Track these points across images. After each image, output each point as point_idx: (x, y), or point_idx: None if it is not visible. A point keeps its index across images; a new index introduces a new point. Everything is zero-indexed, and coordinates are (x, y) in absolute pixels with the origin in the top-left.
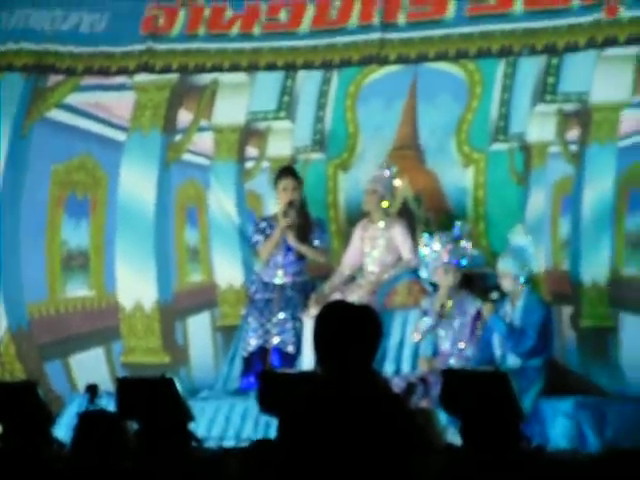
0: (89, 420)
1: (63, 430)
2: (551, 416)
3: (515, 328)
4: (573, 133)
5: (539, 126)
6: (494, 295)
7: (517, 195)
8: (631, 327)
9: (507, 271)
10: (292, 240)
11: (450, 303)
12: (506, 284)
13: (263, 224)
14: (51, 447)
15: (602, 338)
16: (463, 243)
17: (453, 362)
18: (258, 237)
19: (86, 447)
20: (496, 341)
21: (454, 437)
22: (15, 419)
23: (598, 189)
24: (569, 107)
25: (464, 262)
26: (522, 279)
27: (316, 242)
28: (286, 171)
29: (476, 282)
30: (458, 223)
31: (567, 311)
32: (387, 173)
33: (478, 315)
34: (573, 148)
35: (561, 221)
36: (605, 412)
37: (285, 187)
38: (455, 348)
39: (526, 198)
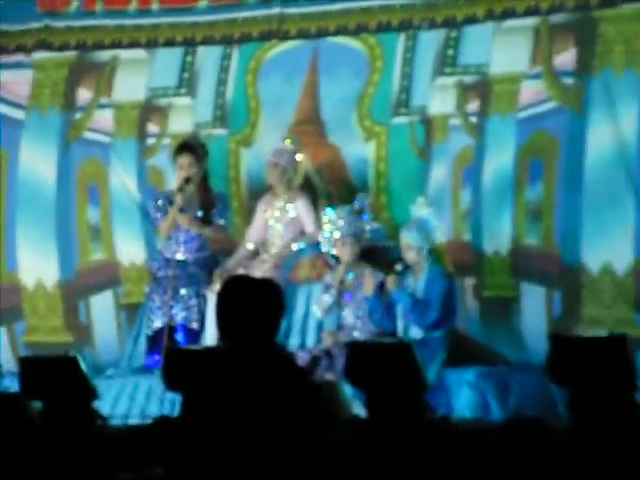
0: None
1: None
2: (455, 386)
3: (418, 300)
4: (473, 105)
5: (440, 99)
6: (398, 267)
7: (419, 168)
8: (531, 297)
9: (411, 243)
10: (187, 224)
11: (350, 277)
12: (410, 256)
13: (162, 200)
14: None
15: (504, 308)
16: (362, 216)
17: (357, 335)
18: (157, 214)
19: None
20: (399, 313)
21: (359, 409)
22: None
23: (499, 160)
24: (469, 79)
25: (362, 234)
26: (425, 251)
27: (218, 219)
28: (182, 148)
29: (378, 255)
30: (359, 196)
31: (469, 282)
32: (288, 147)
33: (380, 287)
34: (473, 120)
35: (462, 192)
36: (508, 381)
37: (182, 164)
38: (358, 321)
39: (427, 170)
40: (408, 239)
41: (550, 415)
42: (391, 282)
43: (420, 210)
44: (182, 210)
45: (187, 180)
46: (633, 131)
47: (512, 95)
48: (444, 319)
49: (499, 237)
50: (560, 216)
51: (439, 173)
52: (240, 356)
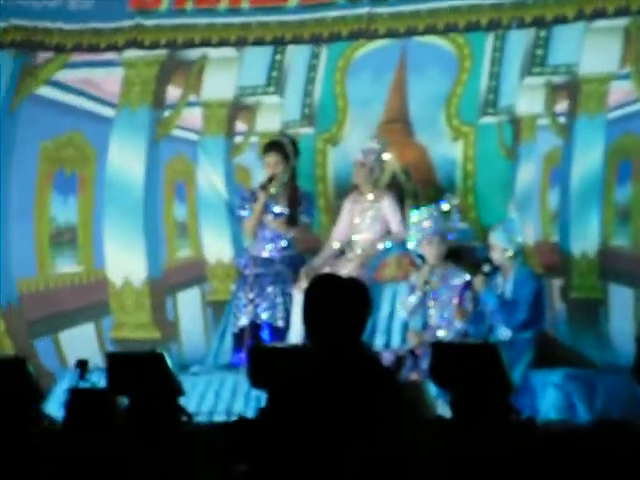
0: (79, 396)
1: (54, 406)
2: (541, 388)
3: (506, 301)
4: (562, 105)
5: (528, 99)
6: (486, 268)
7: (506, 168)
8: (619, 298)
9: (495, 243)
10: (274, 224)
11: (435, 277)
12: (496, 256)
13: (248, 198)
14: (41, 423)
15: (592, 310)
16: (449, 215)
17: (442, 335)
18: (243, 212)
19: (76, 423)
20: (488, 314)
21: (444, 409)
22: (5, 395)
23: (587, 161)
24: (558, 79)
25: (449, 234)
26: (510, 252)
27: (304, 217)
28: (269, 146)
29: (465, 255)
30: (446, 196)
31: (557, 283)
32: (376, 146)
33: (465, 287)
34: (562, 120)
35: (550, 193)
36: (595, 383)
37: (268, 163)
38: (443, 321)
39: (515, 171)
40: (493, 239)
41: (637, 417)
42: (478, 283)
43: (510, 212)
44: (266, 208)
45: (271, 179)
46: None
47: (601, 96)
48: (532, 320)
49: (587, 238)
50: None
51: (527, 173)
52: (326, 355)
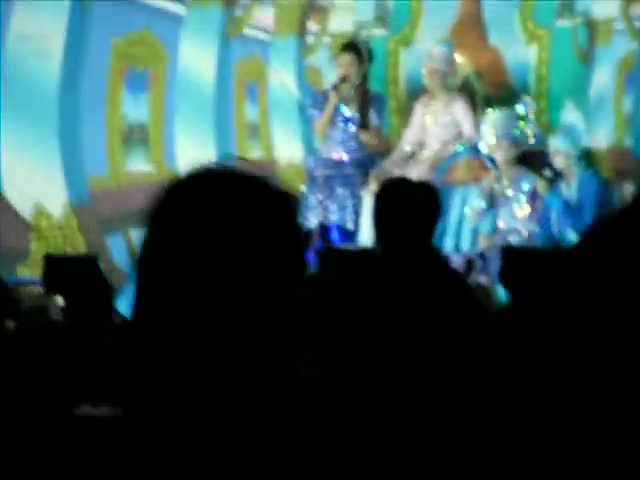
0: None
1: (126, 304)
2: None
3: (571, 204)
4: (638, 9)
5: (604, 2)
6: (547, 173)
7: (580, 72)
8: None
9: (558, 148)
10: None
11: (505, 181)
12: (558, 161)
13: (319, 98)
14: (114, 321)
15: None
16: (524, 119)
17: (512, 239)
18: (314, 111)
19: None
20: (555, 218)
21: None
22: (76, 293)
23: None
24: None
25: (519, 138)
26: (574, 156)
27: (374, 119)
28: (345, 46)
29: (537, 160)
30: (523, 100)
31: (629, 188)
32: (447, 49)
33: (535, 191)
34: (638, 24)
35: (624, 98)
36: None
37: (341, 62)
38: (514, 224)
39: (589, 75)
40: (555, 144)
41: None
42: (542, 187)
43: (569, 115)
44: (336, 109)
45: (344, 79)
46: None
47: None
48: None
49: None
50: None
51: (601, 78)
52: (397, 258)
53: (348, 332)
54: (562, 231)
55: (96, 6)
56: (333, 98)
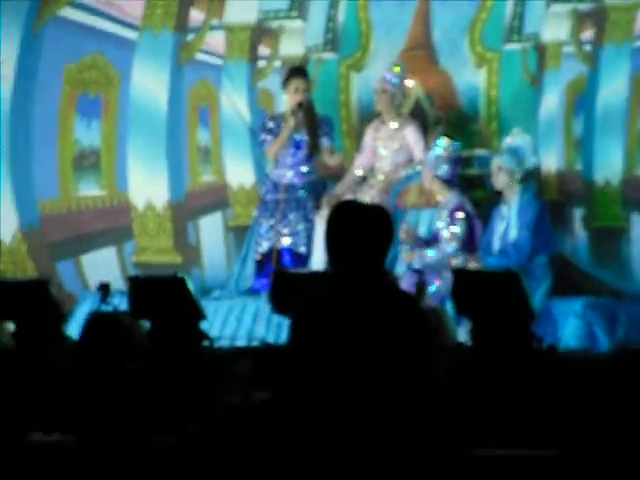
0: (99, 318)
1: (75, 329)
2: (562, 316)
3: (503, 249)
4: (588, 33)
5: (554, 26)
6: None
7: (530, 95)
8: None
9: (504, 166)
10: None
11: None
12: (502, 179)
13: (271, 123)
14: (62, 345)
15: (614, 239)
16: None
17: (430, 255)
18: (266, 136)
19: (95, 345)
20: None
21: (464, 336)
22: (27, 317)
23: (612, 89)
24: (584, 7)
25: (438, 171)
26: (518, 175)
27: (325, 141)
28: (298, 71)
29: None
30: (442, 139)
31: (579, 212)
32: (397, 73)
33: (455, 212)
34: (587, 48)
35: (574, 121)
36: (616, 312)
37: (297, 88)
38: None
39: (539, 98)
40: (500, 162)
41: None
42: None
43: (514, 138)
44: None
45: (300, 104)
46: None
47: (628, 23)
48: (541, 244)
49: (610, 167)
50: None
51: (551, 101)
52: (349, 282)
53: (299, 356)
54: (504, 252)
55: (48, 31)
56: (291, 123)
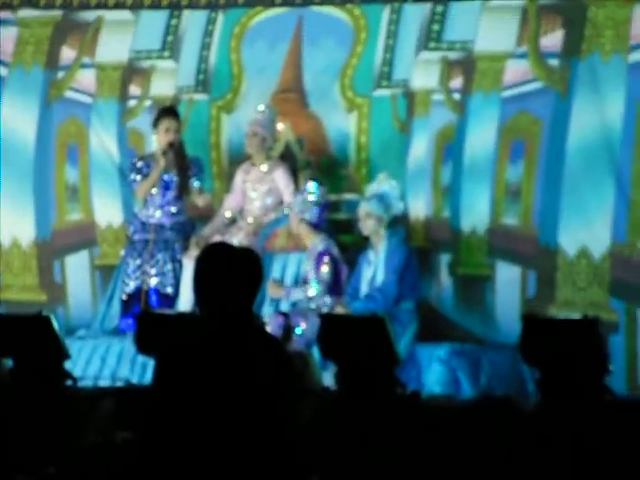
0: None
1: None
2: (426, 362)
3: (370, 294)
4: (457, 81)
5: (423, 73)
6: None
7: (400, 141)
8: (506, 276)
9: (370, 211)
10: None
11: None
12: (369, 225)
13: (140, 163)
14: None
15: (479, 286)
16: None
17: (296, 295)
18: (135, 176)
19: None
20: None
21: (329, 381)
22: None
23: (480, 138)
24: (453, 55)
25: (305, 215)
26: (385, 220)
27: (195, 182)
28: (169, 112)
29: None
30: (311, 184)
31: (445, 258)
32: (267, 116)
33: (321, 256)
34: (456, 96)
35: (442, 169)
36: (479, 359)
37: (168, 128)
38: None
39: (408, 144)
40: (367, 208)
41: (520, 394)
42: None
43: (380, 184)
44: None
45: (171, 144)
46: (618, 116)
47: (496, 73)
48: (407, 290)
49: (477, 215)
50: (539, 197)
51: (420, 148)
52: (216, 324)
53: (163, 397)
54: (370, 297)
55: None
56: (162, 164)
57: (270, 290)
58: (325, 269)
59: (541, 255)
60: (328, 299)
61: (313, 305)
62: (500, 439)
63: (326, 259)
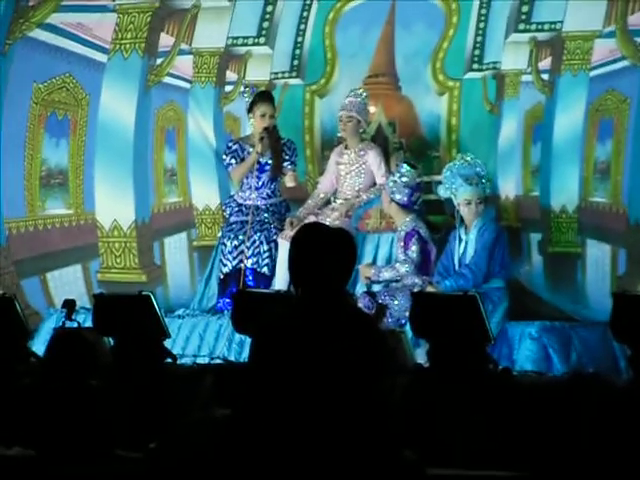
0: (64, 335)
1: (41, 345)
2: (518, 339)
3: (459, 271)
4: (546, 62)
5: (512, 55)
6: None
7: (490, 123)
8: (597, 254)
9: (471, 196)
10: (290, 178)
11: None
12: (471, 208)
13: (235, 146)
14: (27, 361)
15: (569, 264)
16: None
17: (386, 275)
18: (230, 159)
19: (58, 362)
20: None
21: (422, 358)
22: None
23: (569, 118)
24: (542, 36)
25: (396, 196)
26: (476, 203)
27: (289, 165)
28: (265, 96)
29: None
30: (405, 167)
31: (536, 237)
32: (361, 100)
33: (410, 236)
34: (545, 77)
35: (532, 148)
36: (570, 336)
37: (263, 113)
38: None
39: (498, 126)
40: (471, 192)
41: (611, 371)
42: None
43: (475, 165)
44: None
45: (267, 129)
46: None
47: (584, 53)
48: (497, 267)
49: (567, 194)
50: (628, 175)
51: (510, 128)
52: (311, 303)
53: (259, 376)
54: (459, 273)
55: (16, 51)
56: (258, 148)
57: (362, 271)
58: (413, 249)
59: (631, 232)
60: (417, 279)
61: (403, 284)
62: (592, 416)
63: (414, 239)
